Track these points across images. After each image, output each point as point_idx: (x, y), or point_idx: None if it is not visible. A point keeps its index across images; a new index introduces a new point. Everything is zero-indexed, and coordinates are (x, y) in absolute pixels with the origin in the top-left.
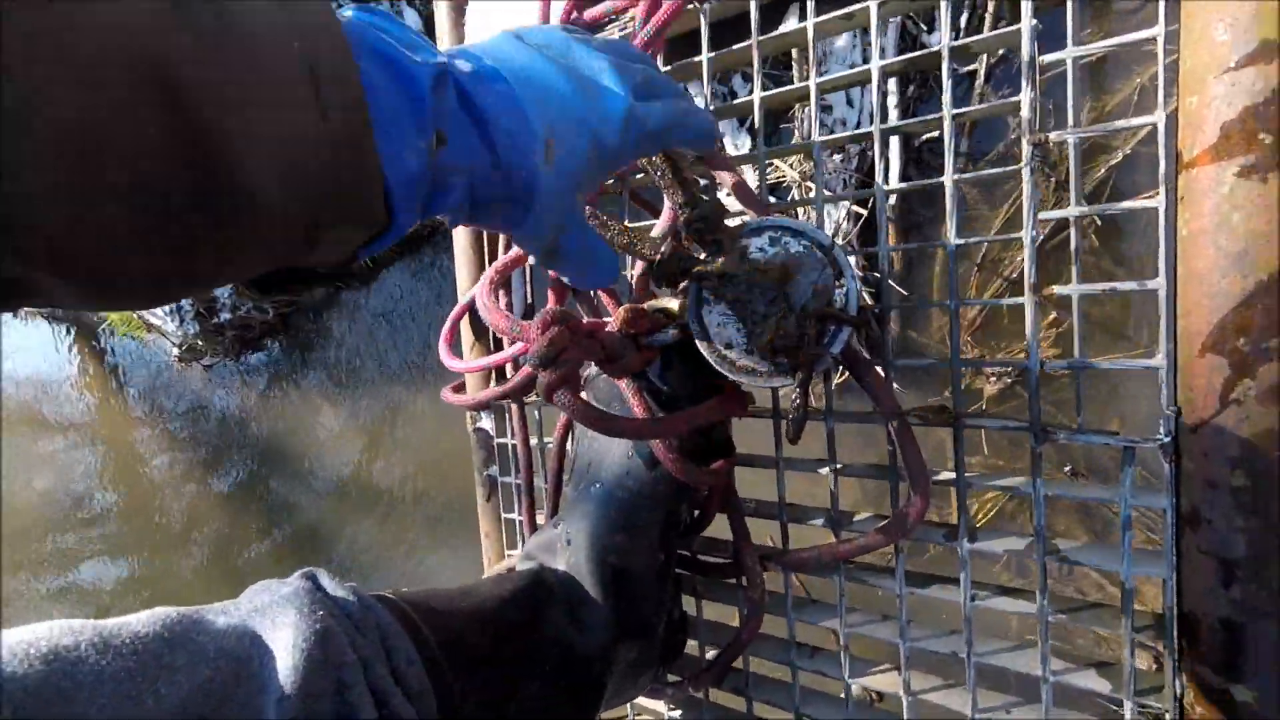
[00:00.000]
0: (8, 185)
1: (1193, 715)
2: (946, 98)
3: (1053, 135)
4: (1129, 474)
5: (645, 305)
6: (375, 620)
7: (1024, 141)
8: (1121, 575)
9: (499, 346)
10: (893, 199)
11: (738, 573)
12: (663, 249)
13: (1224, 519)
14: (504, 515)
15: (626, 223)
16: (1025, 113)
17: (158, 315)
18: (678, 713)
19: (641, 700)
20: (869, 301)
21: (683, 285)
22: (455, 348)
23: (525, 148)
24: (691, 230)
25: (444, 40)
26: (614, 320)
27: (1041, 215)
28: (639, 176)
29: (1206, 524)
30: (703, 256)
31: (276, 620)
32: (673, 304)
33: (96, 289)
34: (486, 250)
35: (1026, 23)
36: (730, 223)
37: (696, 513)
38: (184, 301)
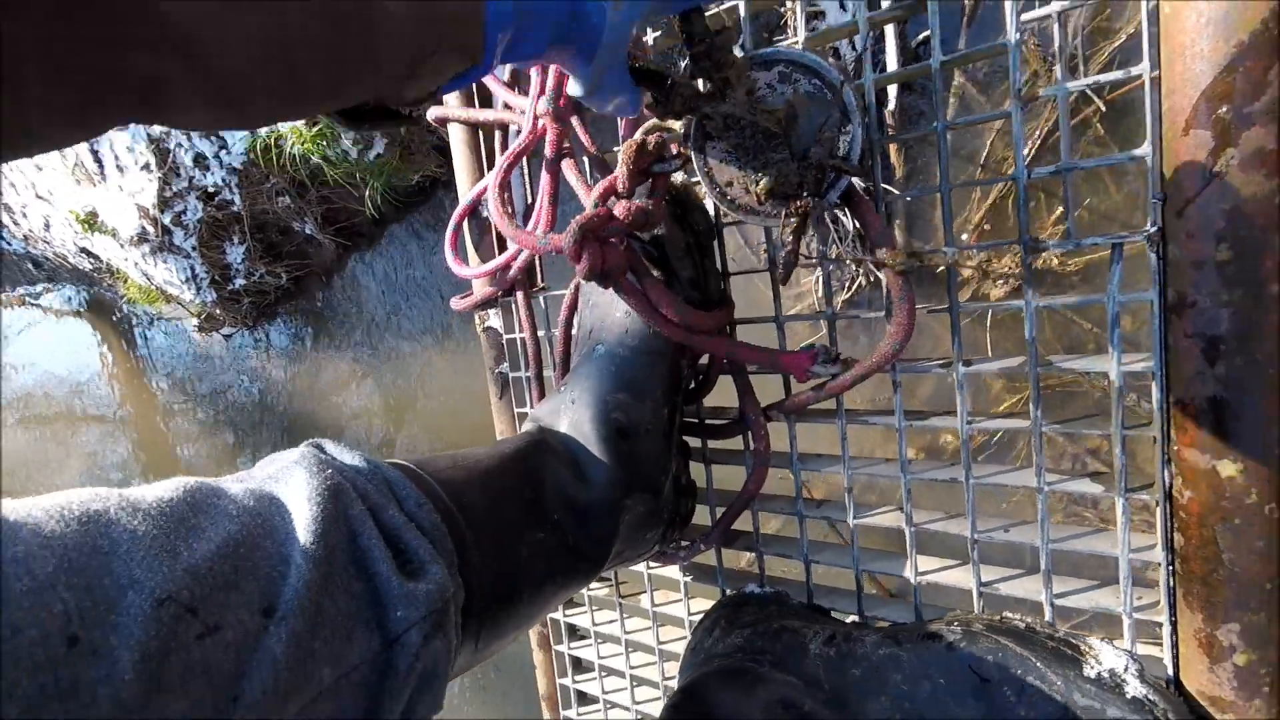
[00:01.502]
0: None
1: (1181, 501)
2: None
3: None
4: (1116, 271)
5: (647, 128)
6: (383, 475)
7: None
8: (1111, 373)
9: (502, 246)
10: (891, 104)
11: (742, 429)
12: (670, 80)
13: (1210, 296)
14: (516, 410)
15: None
16: None
17: (174, 284)
18: (690, 577)
19: (656, 569)
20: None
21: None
22: (460, 251)
23: None
24: (699, 65)
25: None
26: (620, 161)
27: (1025, 16)
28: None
29: (1191, 308)
30: (708, 86)
31: (290, 482)
32: (674, 123)
33: (224, 98)
34: (483, 150)
35: None
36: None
37: (700, 378)
38: (199, 269)
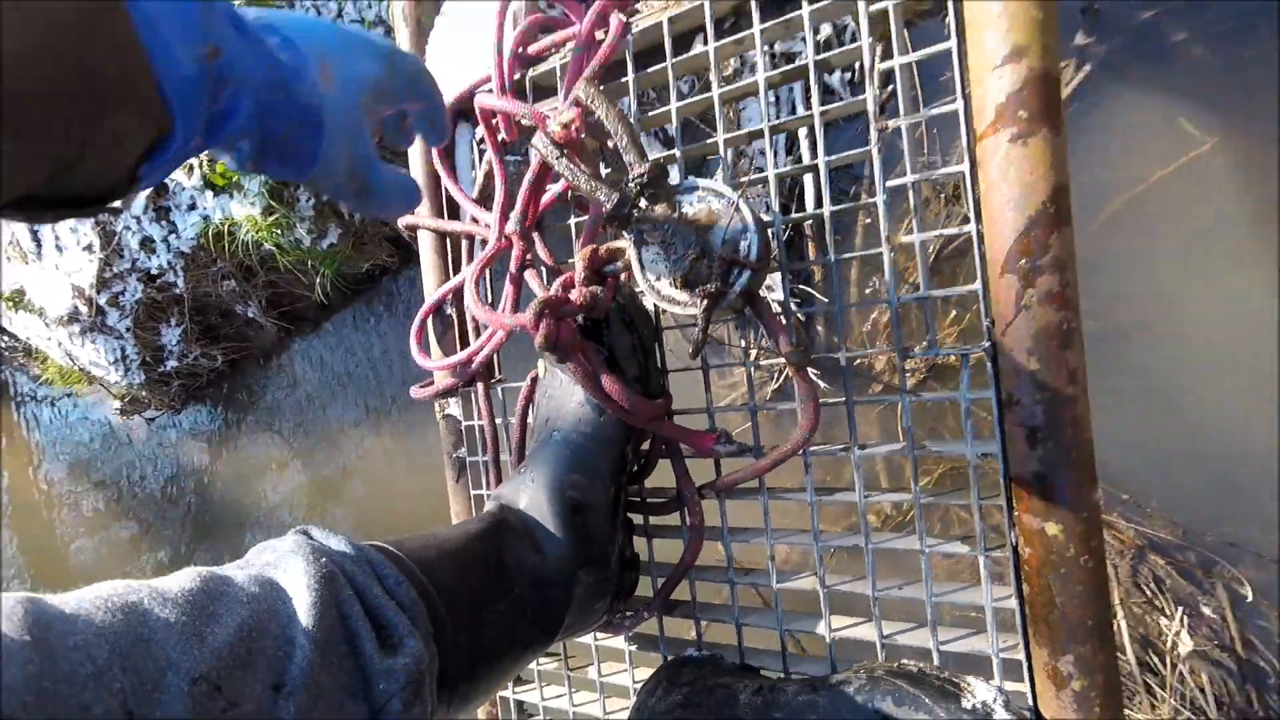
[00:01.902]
0: None
1: (1024, 556)
2: (815, 100)
3: (891, 123)
4: (965, 376)
5: (599, 246)
6: (366, 557)
7: (872, 129)
8: (967, 455)
9: (464, 342)
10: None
11: (679, 505)
12: (615, 198)
13: (1028, 396)
14: (473, 492)
15: (593, 168)
16: (870, 106)
17: (100, 365)
18: (634, 646)
19: (603, 639)
20: (773, 251)
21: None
22: (424, 346)
23: (300, 66)
24: (639, 184)
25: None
26: (579, 261)
27: (889, 183)
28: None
29: (1017, 404)
30: (644, 205)
31: (288, 569)
32: (621, 244)
33: None
34: (450, 257)
35: (864, 40)
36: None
37: (643, 462)
38: (130, 350)
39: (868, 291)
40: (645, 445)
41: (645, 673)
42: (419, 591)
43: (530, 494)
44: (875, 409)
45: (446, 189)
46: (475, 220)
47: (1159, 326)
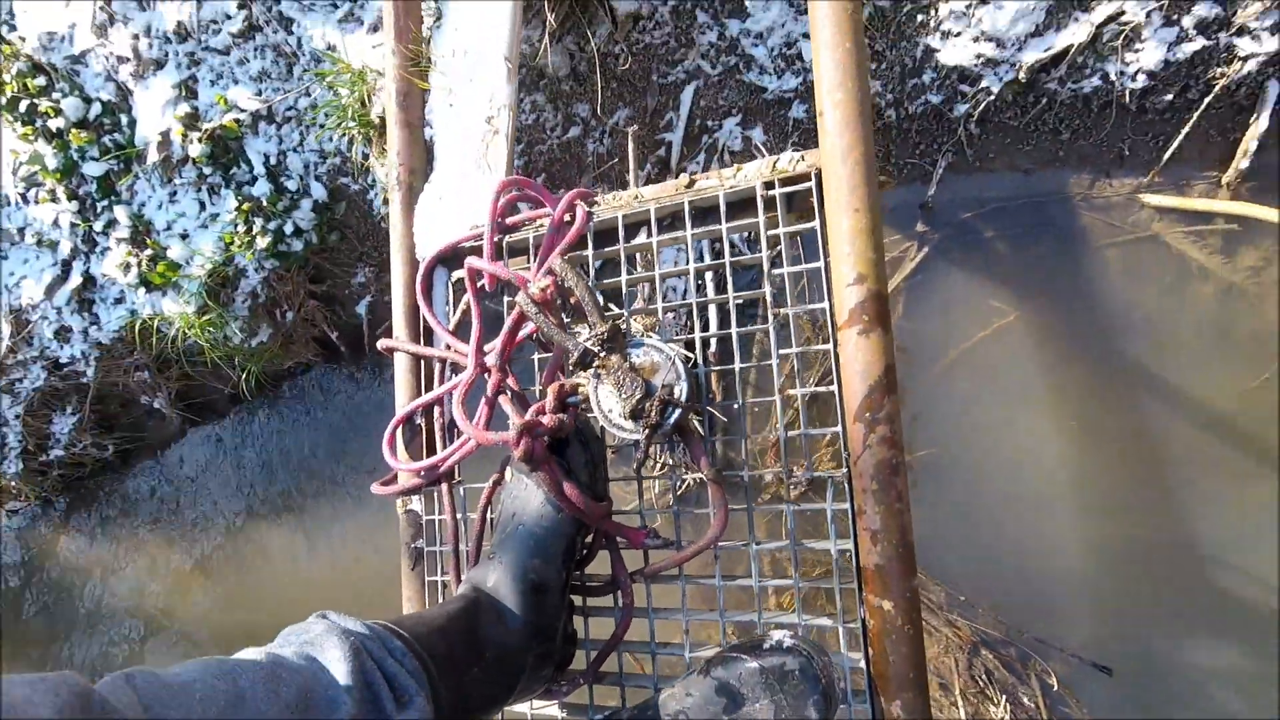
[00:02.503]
0: None
1: (870, 627)
2: (729, 288)
3: (782, 310)
4: (830, 492)
5: (564, 382)
6: (378, 634)
7: (769, 312)
8: (831, 550)
9: (430, 449)
10: (713, 344)
11: (614, 587)
12: (580, 349)
13: (870, 507)
14: (427, 579)
15: (562, 321)
16: (767, 297)
17: None
18: (564, 713)
19: (539, 708)
20: (703, 396)
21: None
22: (393, 450)
23: None
24: (599, 339)
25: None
26: (549, 395)
27: (781, 351)
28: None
29: (864, 513)
30: (602, 354)
31: (325, 647)
32: (580, 381)
33: None
34: (423, 375)
35: (765, 252)
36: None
37: (585, 552)
38: (10, 438)
39: (759, 410)
40: (589, 539)
41: None
42: (419, 661)
43: (497, 575)
44: (768, 515)
45: (425, 319)
46: (449, 347)
47: (988, 456)
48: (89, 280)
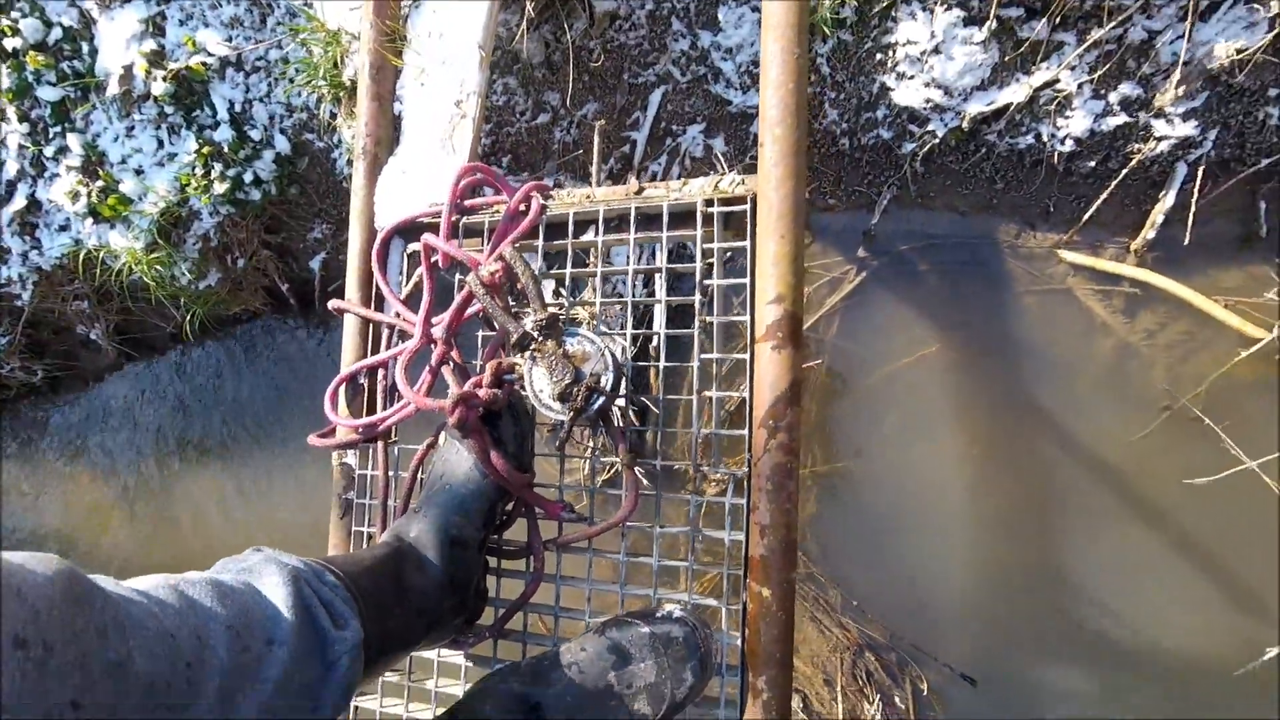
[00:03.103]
0: None
1: (750, 608)
2: (660, 291)
3: (709, 319)
4: (731, 487)
5: (503, 360)
6: (313, 567)
7: (697, 319)
8: (725, 540)
9: (371, 409)
10: (658, 340)
11: (528, 552)
12: (519, 331)
13: (763, 504)
14: (354, 528)
15: (507, 304)
16: (697, 306)
17: None
18: (470, 664)
19: (446, 656)
20: (626, 387)
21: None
22: (334, 405)
23: None
24: (538, 325)
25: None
26: (487, 371)
27: (702, 356)
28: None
29: (757, 509)
30: (539, 339)
31: (262, 574)
32: (518, 360)
33: None
34: (370, 339)
35: (699, 263)
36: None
37: (505, 518)
38: None
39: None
40: (509, 506)
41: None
42: (349, 591)
43: (421, 528)
44: (681, 504)
45: (378, 286)
46: (399, 315)
47: (897, 473)
48: (34, 204)
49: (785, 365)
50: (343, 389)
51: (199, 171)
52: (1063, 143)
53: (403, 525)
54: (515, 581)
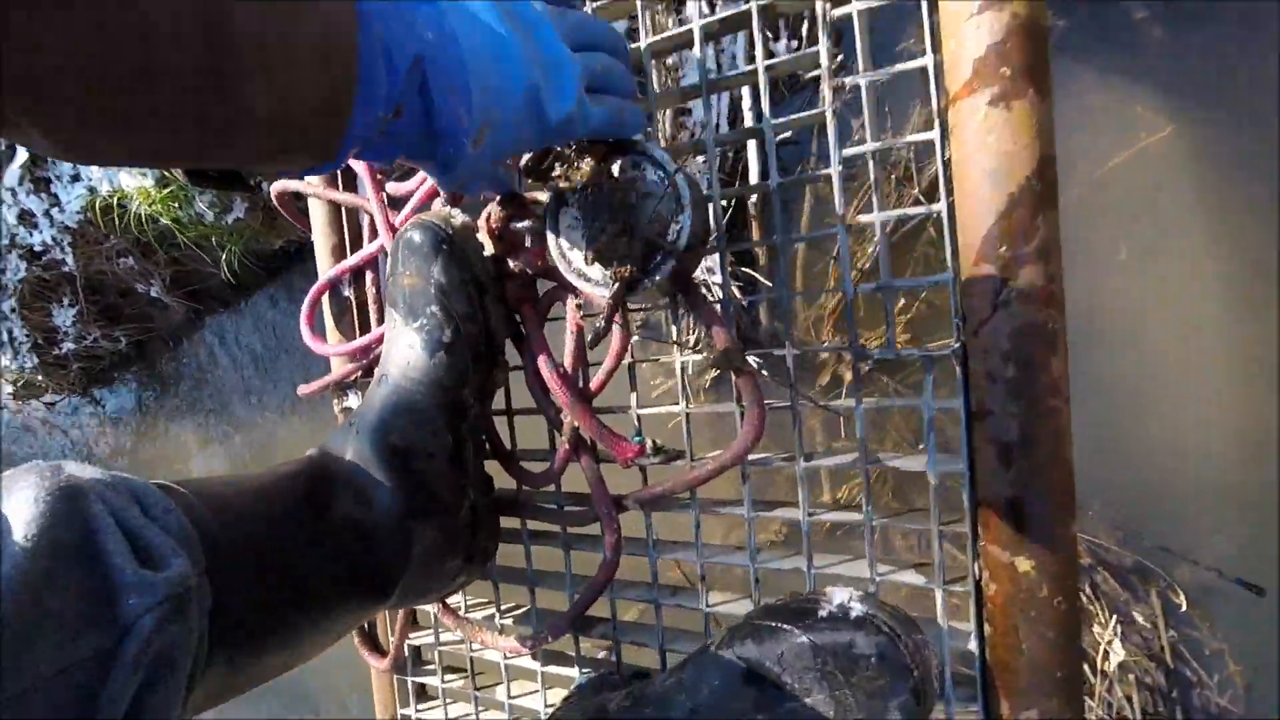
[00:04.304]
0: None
1: (989, 593)
2: (759, 52)
3: (848, 80)
4: (929, 381)
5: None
6: (127, 485)
7: (825, 86)
8: (928, 473)
9: (365, 326)
10: (753, 195)
11: (593, 516)
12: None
13: (1001, 407)
14: None
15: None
16: (824, 60)
17: None
18: (547, 666)
19: (512, 658)
20: (713, 233)
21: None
22: (318, 327)
23: (460, 135)
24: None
25: None
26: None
27: (845, 151)
28: None
29: (989, 415)
30: (570, 156)
31: (13, 488)
32: (543, 197)
33: (78, 134)
34: (347, 232)
35: None
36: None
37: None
38: (18, 332)
39: (817, 270)
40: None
41: (559, 694)
42: (194, 522)
43: (355, 444)
44: (825, 417)
45: None
46: (381, 186)
47: (1111, 311)
48: (38, 157)
49: (1024, 129)
50: (325, 303)
51: None
52: None
53: (336, 441)
54: (587, 555)
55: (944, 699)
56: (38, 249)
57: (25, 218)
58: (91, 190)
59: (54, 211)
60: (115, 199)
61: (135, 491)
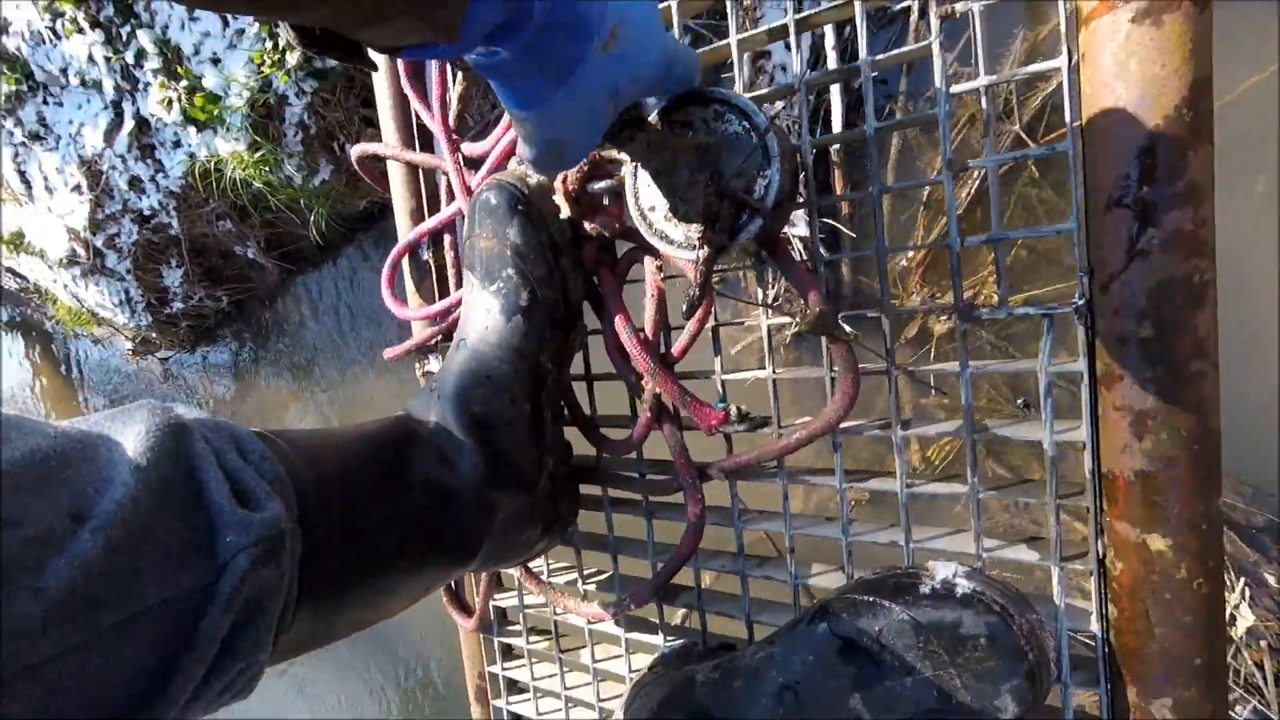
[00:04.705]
0: None
1: (1114, 573)
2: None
3: (958, 6)
4: (1047, 342)
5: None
6: (229, 430)
7: (932, 15)
8: (1044, 443)
9: (445, 290)
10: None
11: (675, 486)
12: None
13: (1135, 372)
14: None
15: None
16: None
17: (106, 307)
18: (634, 634)
19: (595, 624)
20: (798, 194)
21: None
22: (399, 291)
23: (591, 27)
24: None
25: None
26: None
27: (954, 88)
28: None
29: (1119, 381)
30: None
31: (127, 421)
32: (622, 155)
33: None
34: (424, 191)
35: None
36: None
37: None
38: (134, 293)
39: (905, 219)
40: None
41: (643, 659)
42: (288, 469)
43: (437, 409)
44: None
45: (418, 115)
46: (456, 148)
47: (1240, 264)
48: (143, 124)
49: (1176, 50)
50: (405, 267)
51: (269, 44)
52: None
53: (419, 406)
54: (670, 524)
55: (1060, 683)
56: (146, 213)
57: (135, 183)
58: (191, 156)
59: (159, 177)
60: (213, 164)
61: (235, 435)
